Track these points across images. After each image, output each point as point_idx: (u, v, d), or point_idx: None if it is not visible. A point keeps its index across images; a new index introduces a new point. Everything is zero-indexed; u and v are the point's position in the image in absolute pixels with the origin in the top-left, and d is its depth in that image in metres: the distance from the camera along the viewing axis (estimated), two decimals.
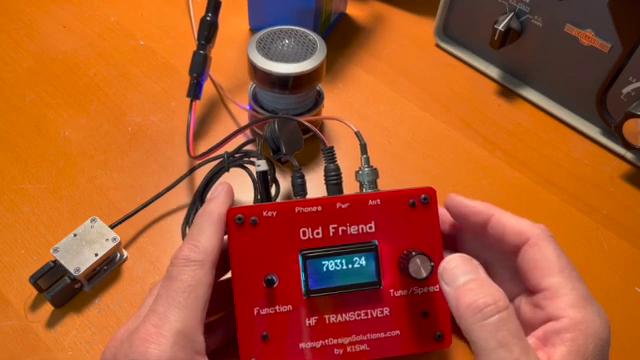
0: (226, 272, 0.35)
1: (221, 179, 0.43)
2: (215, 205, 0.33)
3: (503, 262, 0.35)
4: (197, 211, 0.40)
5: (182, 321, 0.29)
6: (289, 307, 0.33)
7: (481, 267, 0.30)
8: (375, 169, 0.37)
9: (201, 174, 0.44)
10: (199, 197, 0.42)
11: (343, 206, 0.34)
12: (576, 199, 0.48)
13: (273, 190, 0.41)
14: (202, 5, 0.56)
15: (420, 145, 0.50)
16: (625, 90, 0.48)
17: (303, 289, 0.33)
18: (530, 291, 0.33)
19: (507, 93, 0.56)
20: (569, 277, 0.31)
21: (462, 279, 0.29)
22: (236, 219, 0.33)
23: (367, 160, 0.38)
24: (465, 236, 0.37)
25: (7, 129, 0.48)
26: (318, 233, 0.34)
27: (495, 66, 0.57)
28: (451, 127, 0.52)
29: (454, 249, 0.38)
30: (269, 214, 0.33)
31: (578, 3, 0.47)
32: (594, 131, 0.52)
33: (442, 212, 0.37)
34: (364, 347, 0.33)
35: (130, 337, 0.29)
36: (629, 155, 0.50)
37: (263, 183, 0.38)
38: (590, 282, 0.32)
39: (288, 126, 0.41)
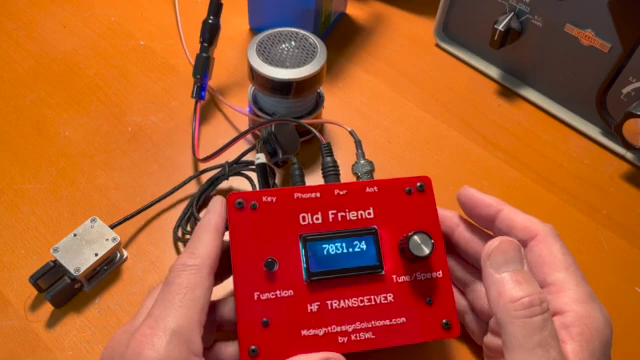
0: (229, 275, 0.35)
1: (221, 186, 0.43)
2: (212, 216, 0.33)
3: None
4: (190, 216, 0.41)
5: (177, 321, 0.29)
6: (290, 292, 0.33)
7: (526, 257, 0.30)
8: (370, 162, 0.38)
9: (204, 177, 0.44)
10: (195, 203, 0.42)
11: (341, 193, 0.34)
12: (576, 199, 0.48)
13: None
14: (196, 3, 0.57)
15: (420, 145, 0.50)
16: (625, 90, 0.48)
17: (304, 273, 0.33)
18: None
19: (507, 93, 0.56)
20: (574, 274, 0.31)
21: (510, 267, 0.29)
22: (236, 204, 0.33)
23: (362, 155, 0.38)
24: (463, 235, 0.37)
25: (7, 129, 0.48)
26: (317, 218, 0.34)
27: (495, 66, 0.57)
28: (451, 127, 0.52)
29: (451, 249, 0.38)
30: (269, 199, 0.33)
31: (578, 3, 0.47)
32: (594, 131, 0.52)
33: (439, 213, 0.37)
34: (369, 335, 0.33)
35: (126, 339, 0.29)
36: (629, 155, 0.50)
37: (262, 176, 0.38)
38: (590, 282, 0.32)
39: (285, 129, 0.41)
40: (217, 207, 0.34)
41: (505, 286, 0.29)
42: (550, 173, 0.49)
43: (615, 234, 0.46)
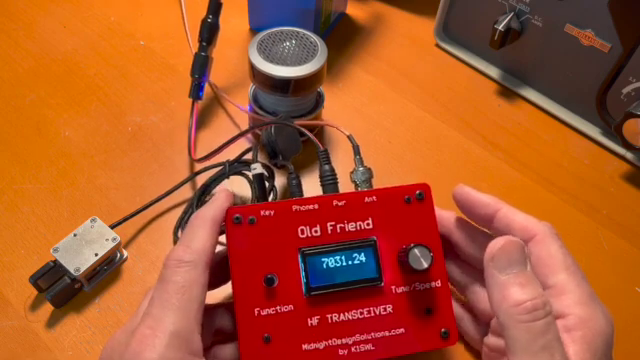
0: (228, 280, 0.35)
1: (220, 186, 0.43)
2: (210, 208, 0.33)
3: None
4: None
5: (176, 323, 0.29)
6: (290, 307, 0.33)
7: (529, 258, 0.30)
8: (369, 169, 0.38)
9: (203, 177, 0.44)
10: (195, 204, 0.42)
11: (339, 204, 0.34)
12: (576, 199, 0.48)
13: (270, 198, 0.42)
14: (196, 3, 0.56)
15: (420, 145, 0.50)
16: (625, 90, 0.48)
17: (304, 288, 0.33)
18: None
19: (507, 93, 0.56)
20: (574, 275, 0.31)
21: (514, 269, 0.29)
22: (234, 219, 0.33)
23: (360, 161, 0.38)
24: (461, 236, 0.37)
25: (7, 129, 0.48)
26: (316, 231, 0.34)
27: (495, 66, 0.57)
28: (451, 127, 0.52)
29: (449, 250, 0.38)
30: (267, 213, 0.33)
31: (578, 3, 0.47)
32: (594, 131, 0.52)
33: (437, 214, 0.37)
34: (369, 347, 0.33)
35: (126, 339, 0.29)
36: (629, 155, 0.50)
37: (259, 186, 0.38)
38: (590, 282, 0.32)
39: (285, 130, 0.41)
40: (220, 199, 0.33)
41: (509, 289, 0.29)
42: (550, 173, 0.49)
43: (615, 234, 0.46)
